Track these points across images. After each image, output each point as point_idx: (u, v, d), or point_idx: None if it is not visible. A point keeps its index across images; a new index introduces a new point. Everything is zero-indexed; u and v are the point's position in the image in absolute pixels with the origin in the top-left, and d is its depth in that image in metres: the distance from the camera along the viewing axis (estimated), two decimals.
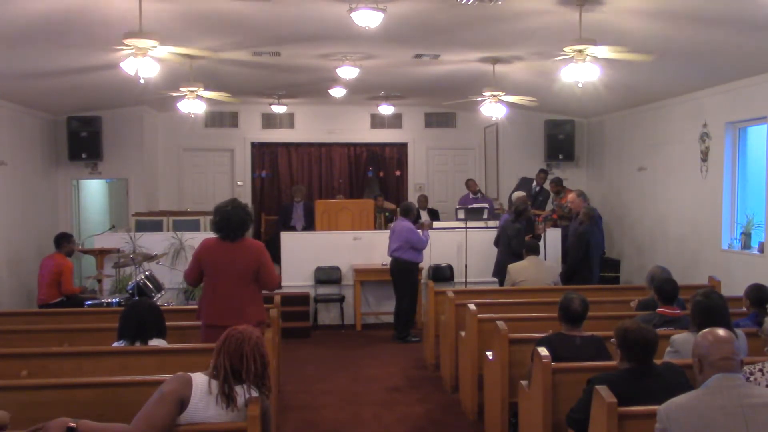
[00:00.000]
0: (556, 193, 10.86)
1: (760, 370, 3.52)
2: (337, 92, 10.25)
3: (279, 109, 11.97)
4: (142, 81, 6.11)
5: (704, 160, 8.60)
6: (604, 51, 5.83)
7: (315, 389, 6.65)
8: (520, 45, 7.21)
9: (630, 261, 10.68)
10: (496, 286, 8.25)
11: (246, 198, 12.47)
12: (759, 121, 7.74)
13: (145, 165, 11.66)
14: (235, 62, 8.10)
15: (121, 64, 5.88)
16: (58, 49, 7.04)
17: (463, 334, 5.94)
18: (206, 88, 8.21)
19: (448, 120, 13.20)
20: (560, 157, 12.20)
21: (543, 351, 4.02)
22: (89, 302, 7.51)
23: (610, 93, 8.95)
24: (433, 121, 13.23)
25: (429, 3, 5.76)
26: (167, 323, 4.45)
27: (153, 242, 9.21)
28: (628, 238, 10.80)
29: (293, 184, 12.74)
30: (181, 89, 8.14)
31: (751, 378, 3.48)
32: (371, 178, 13.50)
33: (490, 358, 5.12)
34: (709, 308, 4.00)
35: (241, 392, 3.00)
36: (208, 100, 8.80)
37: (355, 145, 13.40)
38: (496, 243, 8.69)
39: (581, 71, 5.90)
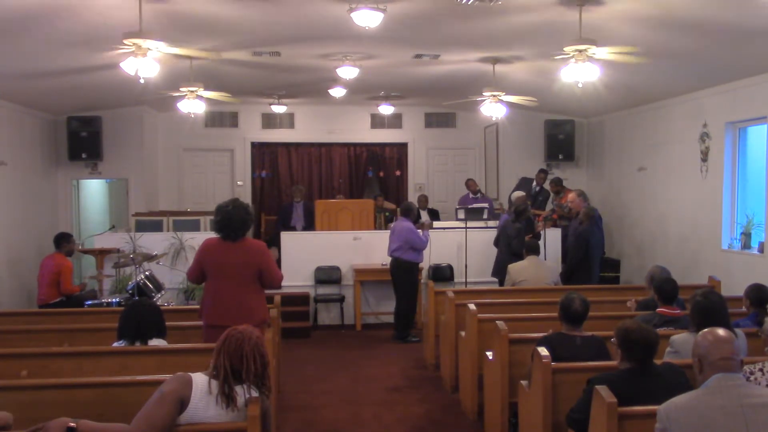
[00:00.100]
0: (556, 193, 10.86)
1: (760, 370, 3.52)
2: (337, 92, 10.25)
3: (279, 109, 11.97)
4: (142, 81, 6.11)
5: (704, 160, 8.60)
6: (605, 52, 5.84)
7: (315, 389, 6.65)
8: (520, 45, 7.20)
9: (630, 261, 10.67)
10: (496, 286, 8.26)
11: (246, 198, 12.44)
12: (759, 121, 7.74)
13: (145, 165, 11.66)
14: (235, 62, 8.10)
15: (121, 64, 5.88)
16: (59, 49, 7.03)
17: (463, 334, 5.94)
18: (206, 88, 8.21)
19: (448, 120, 13.20)
20: (560, 157, 12.20)
21: (543, 351, 4.02)
22: (89, 302, 7.51)
23: (610, 93, 8.95)
24: (433, 121, 13.23)
25: (429, 3, 5.76)
26: (167, 323, 4.45)
27: (153, 242, 9.21)
28: (628, 238, 10.80)
29: (293, 184, 12.73)
30: (181, 89, 8.14)
31: (751, 378, 3.48)
32: (371, 178, 13.49)
33: (490, 358, 5.12)
34: (708, 308, 4.00)
35: (241, 392, 3.00)
36: (208, 100, 8.80)
37: (355, 145, 13.39)
38: (496, 243, 8.70)
39: (581, 71, 5.90)
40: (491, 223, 9.84)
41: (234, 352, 2.99)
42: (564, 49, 5.82)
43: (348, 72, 8.10)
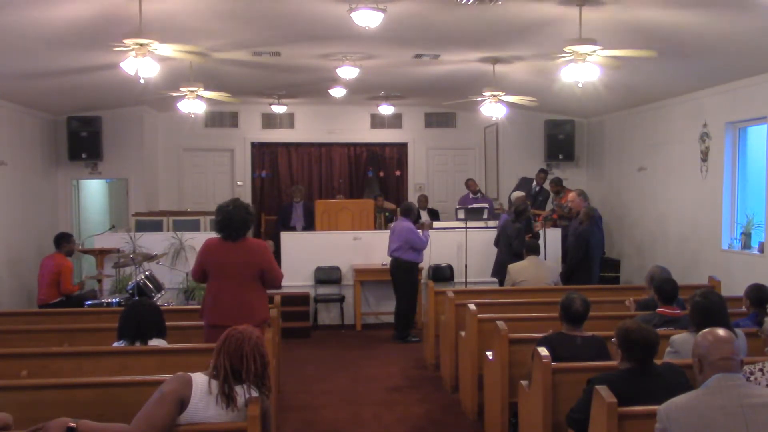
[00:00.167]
0: (556, 193, 10.86)
1: (760, 370, 3.52)
2: (337, 92, 10.24)
3: (279, 109, 11.97)
4: (142, 81, 6.11)
5: (704, 160, 8.60)
6: (604, 53, 5.84)
7: (315, 389, 6.65)
8: (520, 45, 7.20)
9: (630, 261, 10.67)
10: (496, 286, 8.26)
11: (246, 198, 12.43)
12: (759, 121, 7.74)
13: (145, 165, 11.66)
14: (235, 62, 8.09)
15: (121, 64, 5.88)
16: (59, 49, 7.03)
17: (463, 334, 5.94)
18: (206, 88, 8.21)
19: (448, 120, 13.20)
20: (560, 157, 12.20)
21: (543, 351, 4.02)
22: (89, 302, 7.51)
23: (610, 93, 8.95)
24: (433, 121, 13.22)
25: (429, 3, 5.76)
26: (167, 323, 4.45)
27: (153, 242, 9.21)
28: (628, 238, 10.80)
29: (293, 184, 12.72)
30: (181, 89, 8.14)
31: (751, 378, 3.48)
32: (371, 178, 13.49)
33: (490, 358, 5.12)
34: (708, 308, 4.00)
35: (241, 392, 3.00)
36: (208, 100, 8.80)
37: (355, 145, 13.39)
38: (496, 243, 8.70)
39: (581, 71, 5.90)
40: (491, 223, 9.84)
41: (234, 352, 2.99)
42: (564, 49, 5.82)
43: (348, 72, 8.10)
